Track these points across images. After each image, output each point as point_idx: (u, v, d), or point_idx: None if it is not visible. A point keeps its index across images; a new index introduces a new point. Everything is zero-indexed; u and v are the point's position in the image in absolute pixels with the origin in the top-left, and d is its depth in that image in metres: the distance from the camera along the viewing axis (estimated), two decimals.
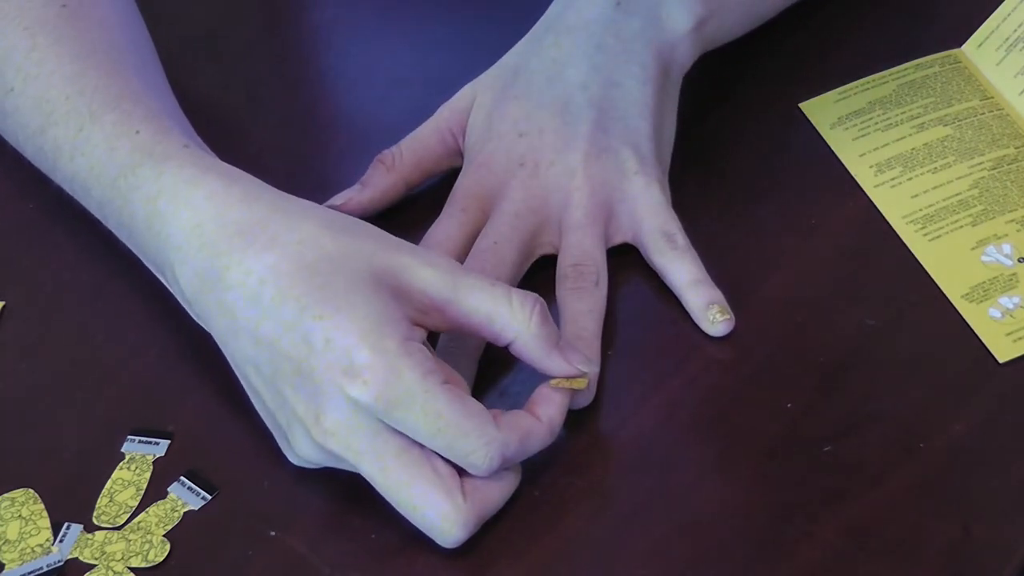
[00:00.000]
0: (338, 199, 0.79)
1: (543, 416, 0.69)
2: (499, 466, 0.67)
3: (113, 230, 0.74)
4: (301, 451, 0.68)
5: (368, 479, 0.67)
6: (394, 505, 0.67)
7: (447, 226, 0.77)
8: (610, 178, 0.78)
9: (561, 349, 0.70)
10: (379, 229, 0.70)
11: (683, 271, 0.76)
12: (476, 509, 0.67)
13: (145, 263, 0.73)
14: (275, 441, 0.70)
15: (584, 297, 0.75)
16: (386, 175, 0.80)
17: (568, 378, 0.70)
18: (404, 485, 0.66)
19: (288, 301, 0.66)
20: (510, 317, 0.69)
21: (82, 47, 0.76)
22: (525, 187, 0.77)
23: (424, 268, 0.68)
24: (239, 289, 0.67)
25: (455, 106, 0.81)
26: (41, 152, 0.75)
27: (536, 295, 0.69)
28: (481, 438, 0.66)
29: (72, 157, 0.73)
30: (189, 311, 0.71)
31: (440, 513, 0.66)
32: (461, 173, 0.80)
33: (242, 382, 0.70)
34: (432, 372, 0.66)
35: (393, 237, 0.70)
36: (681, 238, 0.77)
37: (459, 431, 0.66)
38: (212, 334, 0.69)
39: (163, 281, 0.72)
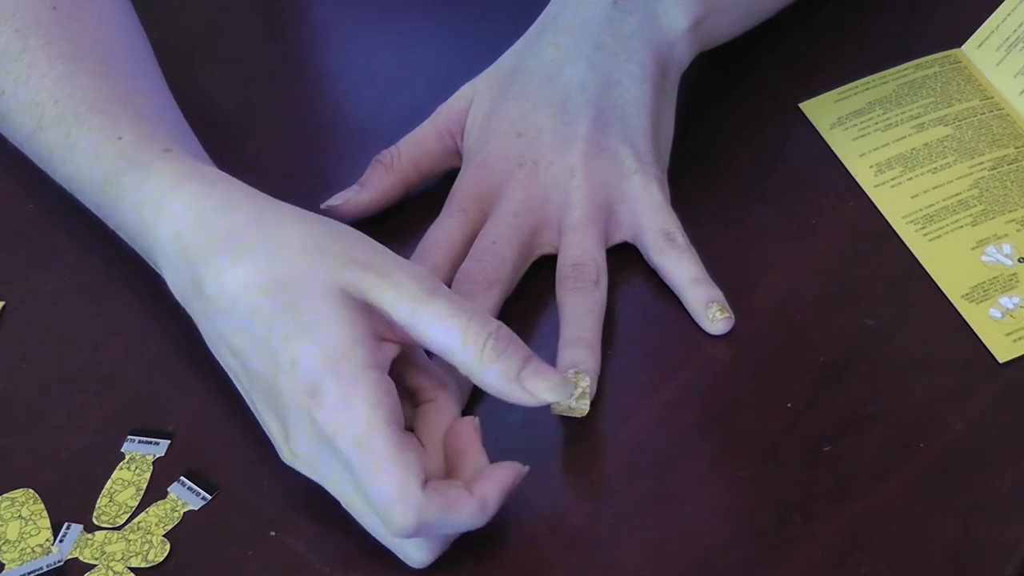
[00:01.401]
0: (336, 199, 0.79)
1: (476, 492, 0.65)
2: (413, 530, 0.64)
3: (114, 229, 0.74)
4: (283, 458, 0.68)
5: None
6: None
7: (447, 226, 0.77)
8: (609, 177, 0.78)
9: (522, 379, 0.66)
10: (359, 235, 0.68)
11: (683, 269, 0.76)
12: (439, 540, 0.67)
13: (147, 260, 0.73)
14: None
15: (584, 297, 0.75)
16: (385, 175, 0.80)
17: (569, 410, 0.70)
18: (367, 515, 0.66)
19: (257, 319, 0.65)
20: (464, 357, 0.66)
21: (73, 48, 0.75)
22: (524, 187, 0.77)
23: (388, 289, 0.66)
24: (216, 301, 0.67)
25: (453, 106, 0.81)
26: (37, 154, 0.76)
27: (497, 322, 0.67)
28: (400, 491, 0.63)
29: (64, 161, 0.73)
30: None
31: (403, 542, 0.66)
32: (460, 173, 0.79)
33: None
34: (380, 407, 0.64)
35: (370, 245, 0.68)
36: (681, 237, 0.77)
37: (381, 474, 0.63)
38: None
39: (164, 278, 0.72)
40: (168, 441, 0.72)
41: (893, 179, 0.82)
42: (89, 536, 0.69)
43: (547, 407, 0.70)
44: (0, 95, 0.76)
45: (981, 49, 0.87)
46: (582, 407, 0.71)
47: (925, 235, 0.79)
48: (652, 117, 0.79)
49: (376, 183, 0.80)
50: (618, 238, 0.78)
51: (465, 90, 0.82)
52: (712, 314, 0.75)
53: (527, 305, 0.75)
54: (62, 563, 0.68)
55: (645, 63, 0.79)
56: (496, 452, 0.71)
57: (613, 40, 0.79)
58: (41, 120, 0.74)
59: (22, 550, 0.69)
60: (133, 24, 0.81)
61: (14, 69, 0.75)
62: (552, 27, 0.80)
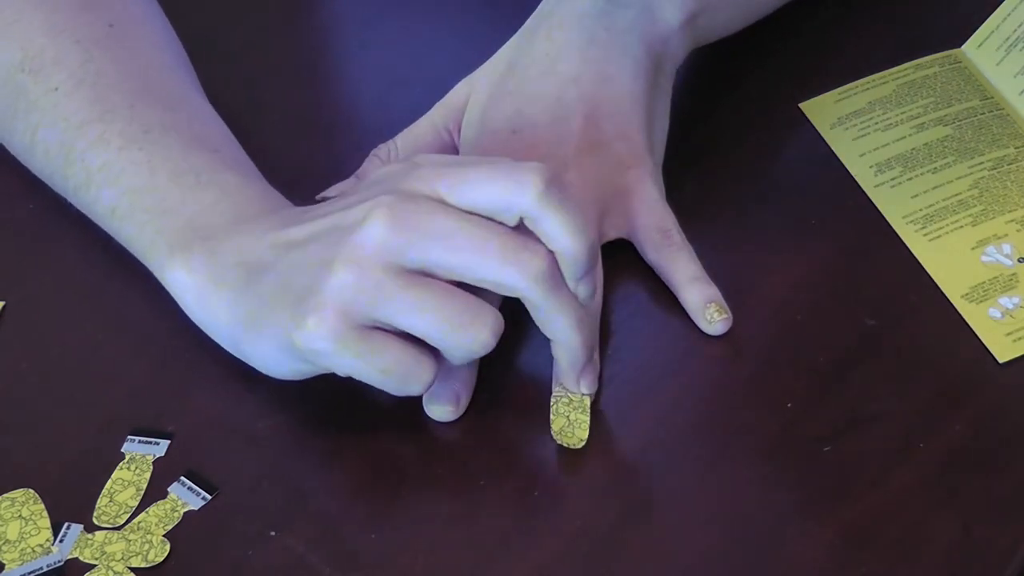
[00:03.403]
0: (332, 191, 0.79)
1: None
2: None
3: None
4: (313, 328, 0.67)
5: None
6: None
7: None
8: (603, 173, 0.77)
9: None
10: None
11: (680, 268, 0.76)
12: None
13: None
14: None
15: None
16: (381, 169, 0.80)
17: (569, 426, 0.70)
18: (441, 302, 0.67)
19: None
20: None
21: (135, 67, 0.78)
22: None
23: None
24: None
25: (450, 102, 0.81)
26: (66, 145, 0.76)
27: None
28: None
29: (121, 148, 0.74)
30: None
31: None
32: None
33: None
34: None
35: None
36: (677, 234, 0.77)
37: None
38: None
39: None
40: (168, 441, 0.72)
41: (893, 179, 0.82)
42: (89, 536, 0.69)
43: (547, 414, 0.70)
44: (51, 91, 0.77)
45: (981, 49, 0.87)
46: (581, 429, 0.70)
47: (925, 235, 0.79)
48: (646, 111, 0.79)
49: None
50: (613, 234, 0.78)
51: (462, 86, 0.81)
52: (709, 315, 0.75)
53: (521, 303, 0.75)
54: (62, 563, 0.68)
55: (639, 58, 0.79)
56: (495, 452, 0.72)
57: (607, 34, 0.79)
58: (107, 115, 0.75)
59: (22, 550, 0.69)
60: (176, 41, 0.83)
61: (77, 73, 0.77)
62: (547, 21, 0.80)
